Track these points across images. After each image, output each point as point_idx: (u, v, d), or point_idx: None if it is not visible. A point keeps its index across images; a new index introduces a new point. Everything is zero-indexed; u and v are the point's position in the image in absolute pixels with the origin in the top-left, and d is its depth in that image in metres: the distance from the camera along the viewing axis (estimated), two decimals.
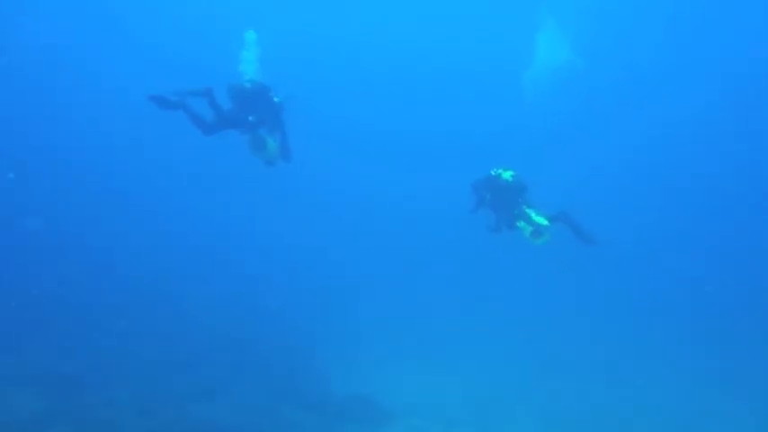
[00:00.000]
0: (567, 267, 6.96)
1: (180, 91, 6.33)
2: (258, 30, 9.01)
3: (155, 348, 11.89)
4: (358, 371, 12.79)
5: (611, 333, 15.56)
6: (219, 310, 14.51)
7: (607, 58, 22.31)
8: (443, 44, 24.96)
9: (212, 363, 11.78)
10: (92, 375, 10.08)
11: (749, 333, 14.79)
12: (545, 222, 6.83)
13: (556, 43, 18.52)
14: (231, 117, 6.60)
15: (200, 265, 17.73)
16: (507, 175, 7.45)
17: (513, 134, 22.89)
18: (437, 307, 17.05)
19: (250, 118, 6.55)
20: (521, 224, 7.00)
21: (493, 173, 7.71)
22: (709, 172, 21.62)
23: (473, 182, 7.92)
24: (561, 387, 12.31)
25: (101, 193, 20.24)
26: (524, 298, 17.80)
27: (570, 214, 7.13)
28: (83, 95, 23.17)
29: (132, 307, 13.70)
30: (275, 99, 6.82)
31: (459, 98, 25.79)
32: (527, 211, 7.03)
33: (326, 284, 18.36)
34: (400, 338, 14.90)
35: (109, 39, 23.55)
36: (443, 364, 13.66)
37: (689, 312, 16.88)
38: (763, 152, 20.56)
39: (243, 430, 9.31)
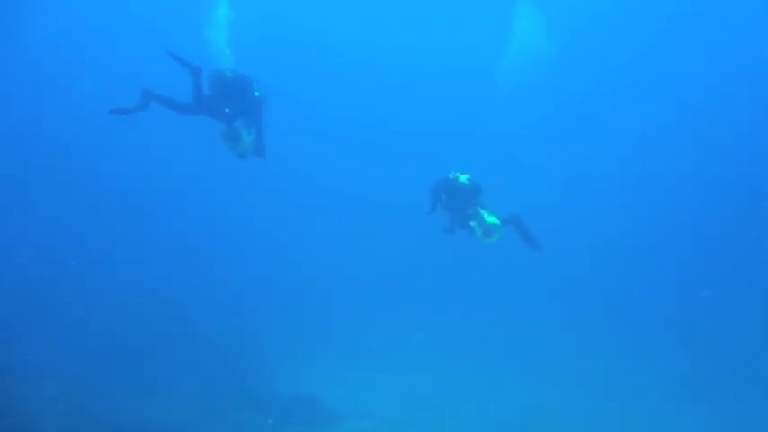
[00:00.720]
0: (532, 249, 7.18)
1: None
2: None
3: (92, 344, 11.34)
4: (304, 372, 12.58)
5: (564, 332, 15.66)
6: (161, 308, 13.88)
7: (587, 51, 22.23)
8: (417, 40, 24.54)
9: (153, 361, 11.33)
10: (22, 369, 9.49)
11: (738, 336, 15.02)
12: (496, 222, 7.02)
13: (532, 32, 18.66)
14: (208, 105, 6.50)
15: (143, 260, 16.99)
16: (463, 178, 7.67)
17: (487, 130, 22.82)
18: (384, 307, 16.96)
19: (227, 110, 6.47)
20: (473, 224, 7.15)
21: (450, 176, 7.93)
22: (699, 172, 21.56)
23: (431, 184, 8.03)
24: (510, 388, 12.42)
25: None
26: (474, 297, 17.86)
27: (521, 218, 7.35)
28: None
29: (72, 301, 13.04)
30: (256, 93, 6.73)
31: (431, 95, 25.22)
32: (480, 211, 7.21)
33: (272, 284, 17.95)
34: (346, 339, 14.77)
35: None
36: (390, 365, 13.60)
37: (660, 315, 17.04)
38: (756, 148, 20.65)
39: (184, 430, 8.91)
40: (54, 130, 20.41)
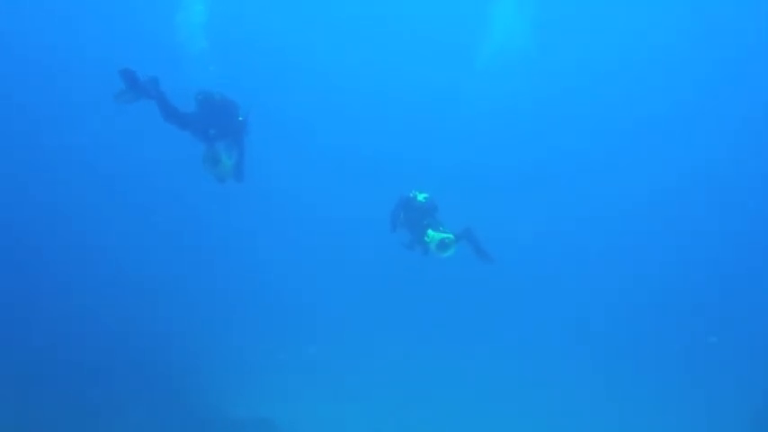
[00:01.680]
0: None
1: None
2: None
3: (30, 368, 10.62)
4: (257, 394, 12.26)
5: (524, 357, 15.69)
6: (104, 329, 13.18)
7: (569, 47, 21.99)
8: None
9: (97, 382, 10.76)
10: None
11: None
12: (450, 236, 7.33)
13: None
14: (193, 123, 6.51)
15: (86, 278, 16.04)
16: (421, 197, 8.14)
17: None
18: (344, 328, 16.68)
19: (211, 131, 6.52)
20: (428, 238, 7.42)
21: (410, 194, 8.26)
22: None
23: (393, 204, 8.39)
24: (469, 419, 12.43)
25: None
26: (439, 323, 17.75)
27: (473, 231, 7.71)
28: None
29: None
30: (240, 117, 6.78)
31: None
32: (435, 227, 7.58)
33: (223, 301, 17.32)
34: (304, 363, 14.56)
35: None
36: (349, 388, 13.40)
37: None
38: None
39: None
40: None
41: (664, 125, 22.96)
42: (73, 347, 11.63)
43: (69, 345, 11.65)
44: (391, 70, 24.13)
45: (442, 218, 8.09)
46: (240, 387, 12.41)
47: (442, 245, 7.31)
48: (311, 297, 18.44)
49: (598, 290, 18.90)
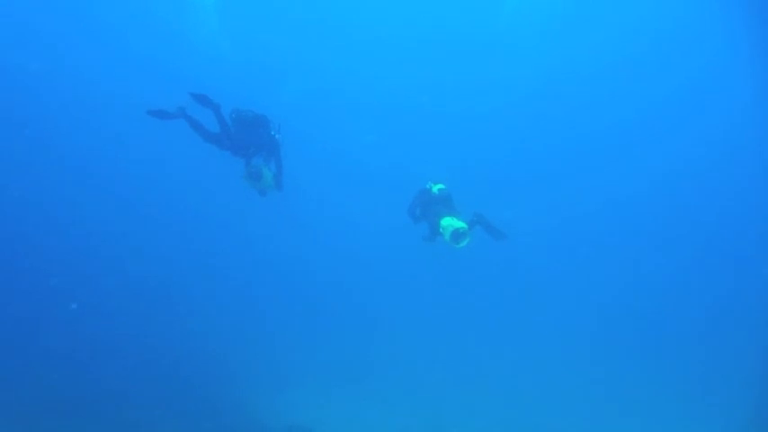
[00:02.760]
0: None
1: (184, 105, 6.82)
2: None
3: (68, 390, 10.77)
4: (288, 401, 12.23)
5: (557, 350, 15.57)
6: (140, 347, 13.34)
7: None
8: None
9: (127, 401, 10.80)
10: None
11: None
12: (464, 225, 7.26)
13: None
14: (231, 140, 6.91)
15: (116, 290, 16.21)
16: (436, 188, 8.17)
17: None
18: (372, 330, 16.76)
19: (251, 148, 6.94)
20: (442, 229, 7.39)
21: (427, 186, 8.24)
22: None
23: (409, 208, 8.43)
24: (507, 411, 12.28)
25: None
26: (463, 317, 17.69)
27: (483, 215, 7.68)
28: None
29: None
30: (274, 134, 7.14)
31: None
32: (449, 217, 7.52)
33: (253, 311, 17.40)
34: (329, 365, 14.48)
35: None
36: (377, 391, 13.35)
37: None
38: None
39: None
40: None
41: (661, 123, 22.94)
42: (105, 358, 11.81)
43: (102, 356, 11.81)
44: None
45: (459, 208, 8.07)
46: (274, 394, 12.46)
47: (457, 235, 7.25)
48: (342, 300, 18.45)
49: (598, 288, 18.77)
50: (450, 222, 7.37)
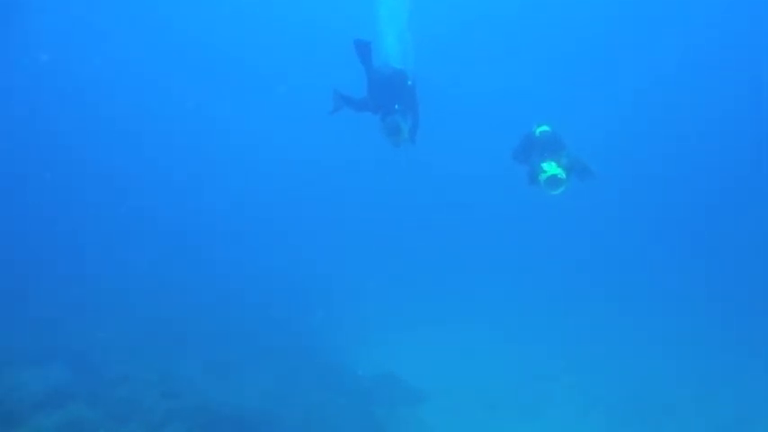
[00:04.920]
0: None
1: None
2: None
3: (164, 332, 11.35)
4: (375, 348, 12.27)
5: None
6: (225, 296, 13.94)
7: None
8: None
9: (223, 347, 11.23)
10: (104, 355, 9.65)
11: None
12: (560, 173, 6.74)
13: None
14: (378, 101, 6.78)
15: (207, 252, 17.25)
16: (539, 130, 7.45)
17: None
18: (456, 271, 16.57)
19: (396, 106, 6.69)
20: (541, 172, 6.84)
21: (532, 128, 7.62)
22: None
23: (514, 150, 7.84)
24: (603, 362, 11.72)
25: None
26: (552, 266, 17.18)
27: (580, 157, 7.14)
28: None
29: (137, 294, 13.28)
30: (408, 82, 6.87)
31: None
32: (549, 162, 6.94)
33: (335, 262, 17.79)
34: (413, 307, 14.40)
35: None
36: (465, 334, 13.17)
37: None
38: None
39: (271, 415, 8.77)
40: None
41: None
42: (201, 312, 12.26)
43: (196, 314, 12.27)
44: None
45: (573, 153, 7.26)
46: (361, 343, 12.53)
47: (551, 181, 6.75)
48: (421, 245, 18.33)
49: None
50: (547, 167, 6.83)
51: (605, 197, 17.71)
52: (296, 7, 22.51)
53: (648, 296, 15.66)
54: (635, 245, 19.49)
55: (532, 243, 18.73)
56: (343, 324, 13.47)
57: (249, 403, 9.30)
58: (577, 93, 23.25)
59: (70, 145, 20.61)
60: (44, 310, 11.33)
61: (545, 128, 7.51)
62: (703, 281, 16.04)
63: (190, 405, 8.04)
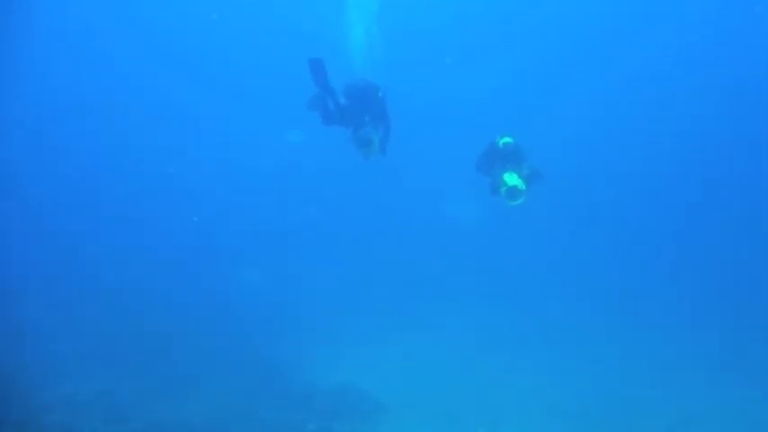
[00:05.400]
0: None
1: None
2: None
3: (121, 346, 10.91)
4: (335, 360, 12.01)
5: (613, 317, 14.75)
6: (182, 310, 13.36)
7: None
8: None
9: (178, 359, 10.88)
10: (44, 374, 9.06)
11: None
12: (521, 184, 6.90)
13: None
14: (348, 115, 6.81)
15: (164, 264, 16.54)
16: (502, 141, 7.55)
17: None
18: (416, 284, 16.38)
19: (366, 117, 6.84)
20: (501, 183, 7.00)
21: (495, 139, 7.68)
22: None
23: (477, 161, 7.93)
24: (565, 369, 11.81)
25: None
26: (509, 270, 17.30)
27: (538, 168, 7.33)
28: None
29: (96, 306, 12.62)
30: (379, 94, 6.97)
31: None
32: (510, 173, 7.12)
33: (292, 274, 17.44)
34: (373, 317, 14.23)
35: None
36: (426, 344, 13.08)
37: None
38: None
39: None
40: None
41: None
42: (155, 327, 11.76)
43: (152, 325, 11.79)
44: None
45: (532, 164, 7.45)
46: (323, 353, 12.29)
47: (512, 193, 6.91)
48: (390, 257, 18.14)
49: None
50: (508, 178, 6.98)
51: (559, 199, 17.88)
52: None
53: (613, 301, 15.88)
54: (598, 247, 19.69)
55: (492, 253, 18.79)
56: (302, 335, 13.11)
57: (203, 421, 8.91)
58: (555, 96, 23.20)
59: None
60: None
61: (508, 139, 7.59)
62: (674, 285, 16.27)
63: (136, 428, 7.53)
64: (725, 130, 20.24)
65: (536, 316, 14.83)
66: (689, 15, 19.84)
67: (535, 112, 22.53)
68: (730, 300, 15.05)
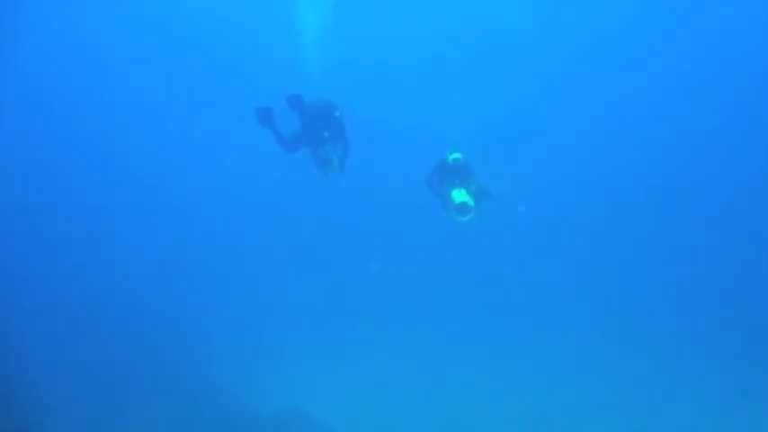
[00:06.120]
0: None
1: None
2: None
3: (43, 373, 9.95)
4: (281, 382, 11.66)
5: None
6: (120, 333, 12.50)
7: None
8: None
9: (118, 388, 10.09)
10: None
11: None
12: (469, 201, 7.10)
13: None
14: (308, 136, 7.03)
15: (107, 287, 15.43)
16: (452, 157, 7.72)
17: None
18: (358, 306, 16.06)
19: (325, 134, 7.01)
20: (451, 200, 7.19)
21: (445, 155, 7.84)
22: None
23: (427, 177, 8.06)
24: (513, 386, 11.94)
25: None
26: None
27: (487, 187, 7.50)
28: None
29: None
30: (336, 113, 7.18)
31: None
32: (459, 189, 7.33)
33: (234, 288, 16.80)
34: (323, 338, 13.88)
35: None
36: (374, 365, 12.92)
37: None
38: None
39: None
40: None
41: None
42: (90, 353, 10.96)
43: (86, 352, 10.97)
44: None
45: (480, 180, 7.63)
46: (264, 376, 11.91)
47: (461, 209, 7.10)
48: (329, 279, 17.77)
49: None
50: (456, 195, 7.18)
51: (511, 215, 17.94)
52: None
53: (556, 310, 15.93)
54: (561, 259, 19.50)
55: (442, 277, 18.56)
56: (247, 357, 12.57)
57: None
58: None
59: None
60: None
61: (457, 155, 7.77)
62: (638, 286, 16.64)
63: None
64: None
65: (495, 339, 14.59)
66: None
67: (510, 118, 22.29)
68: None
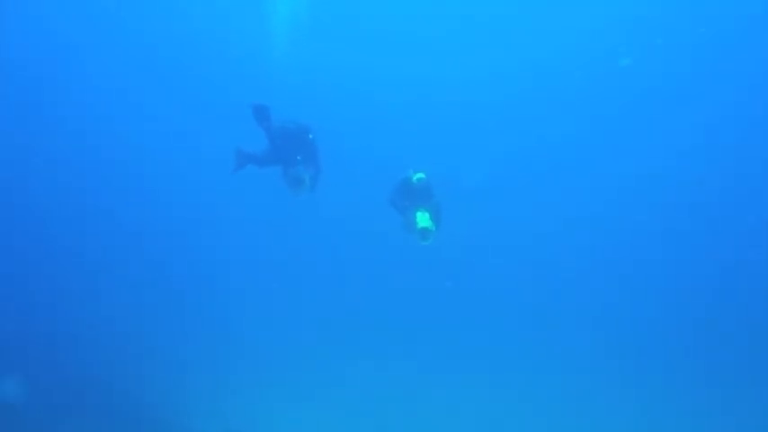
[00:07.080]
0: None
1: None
2: None
3: None
4: (222, 406, 11.14)
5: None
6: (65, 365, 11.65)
7: None
8: None
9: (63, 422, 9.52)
10: None
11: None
12: (431, 226, 7.16)
13: None
14: (282, 155, 7.14)
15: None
16: (416, 177, 7.65)
17: None
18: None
19: (298, 157, 7.11)
20: (415, 227, 7.20)
21: (408, 174, 7.73)
22: None
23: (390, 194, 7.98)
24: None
25: None
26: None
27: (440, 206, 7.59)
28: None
29: None
30: (310, 136, 7.27)
31: None
32: (422, 211, 7.35)
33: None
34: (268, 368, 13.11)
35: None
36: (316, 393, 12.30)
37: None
38: None
39: None
40: None
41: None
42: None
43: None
44: None
45: (442, 200, 7.69)
46: (208, 399, 11.32)
47: (423, 234, 7.15)
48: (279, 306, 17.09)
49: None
50: (420, 219, 7.22)
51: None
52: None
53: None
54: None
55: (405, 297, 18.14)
56: (195, 390, 11.83)
57: None
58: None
59: None
60: None
61: (421, 175, 7.70)
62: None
63: None
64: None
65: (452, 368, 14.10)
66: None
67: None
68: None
